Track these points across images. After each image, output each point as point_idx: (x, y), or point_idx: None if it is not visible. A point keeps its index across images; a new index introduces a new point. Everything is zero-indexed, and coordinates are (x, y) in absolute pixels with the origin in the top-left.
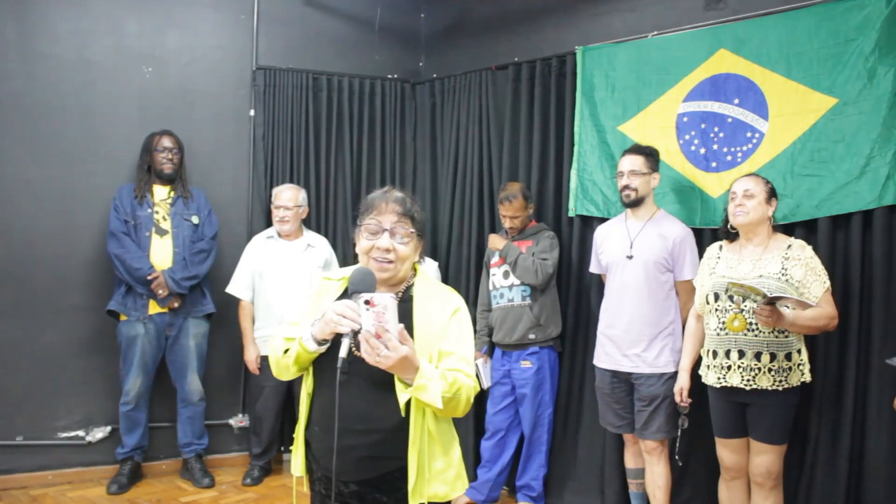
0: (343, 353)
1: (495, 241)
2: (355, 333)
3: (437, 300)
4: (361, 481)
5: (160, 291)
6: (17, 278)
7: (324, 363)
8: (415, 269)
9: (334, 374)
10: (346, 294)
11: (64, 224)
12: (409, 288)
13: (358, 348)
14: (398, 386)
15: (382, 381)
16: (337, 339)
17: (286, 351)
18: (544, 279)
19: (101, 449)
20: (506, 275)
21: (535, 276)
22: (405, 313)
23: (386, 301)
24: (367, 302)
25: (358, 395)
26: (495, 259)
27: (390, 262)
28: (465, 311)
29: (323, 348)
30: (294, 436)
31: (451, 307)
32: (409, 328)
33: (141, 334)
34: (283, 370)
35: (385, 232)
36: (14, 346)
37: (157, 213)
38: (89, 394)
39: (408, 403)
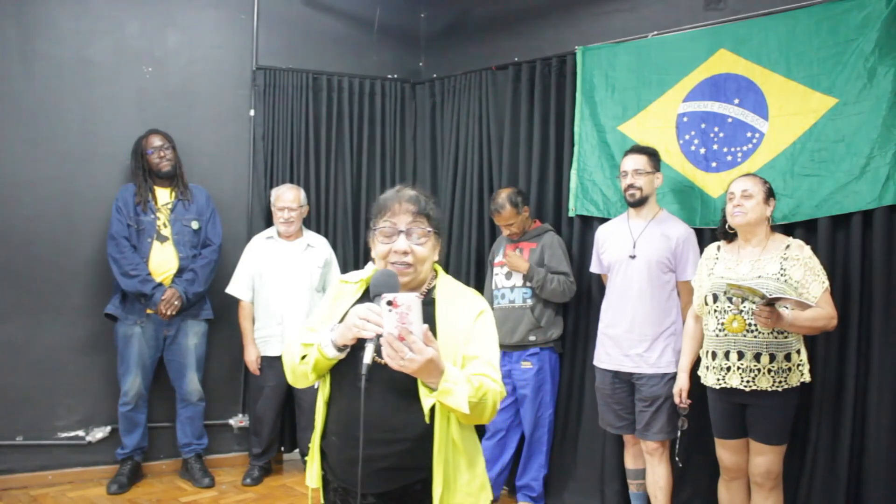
0: (367, 359)
1: (516, 262)
2: (380, 338)
3: (461, 302)
4: (381, 493)
5: (175, 302)
6: (17, 278)
7: (343, 370)
8: (435, 271)
9: (353, 381)
10: (365, 297)
11: (64, 224)
12: (430, 290)
13: (381, 354)
14: (422, 391)
15: (405, 388)
16: (357, 344)
17: (303, 357)
18: (572, 296)
19: (101, 449)
20: (508, 276)
21: (562, 297)
22: (428, 316)
23: (410, 301)
24: (389, 303)
25: (378, 403)
26: (499, 258)
27: (409, 265)
28: (489, 314)
29: (342, 355)
30: (310, 446)
31: (475, 310)
32: (433, 332)
33: (137, 334)
34: (301, 378)
35: (401, 234)
36: (14, 346)
37: (158, 219)
38: (89, 394)
39: (432, 411)
